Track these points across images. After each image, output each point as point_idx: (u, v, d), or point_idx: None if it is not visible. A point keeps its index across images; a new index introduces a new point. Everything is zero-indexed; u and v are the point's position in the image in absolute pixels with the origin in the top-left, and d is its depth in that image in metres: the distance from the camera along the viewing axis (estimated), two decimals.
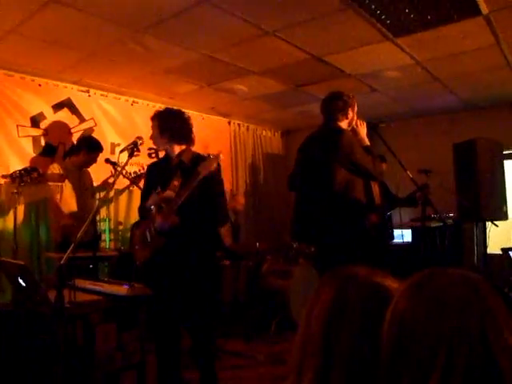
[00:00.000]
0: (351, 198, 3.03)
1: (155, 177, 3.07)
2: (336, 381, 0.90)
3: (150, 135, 3.10)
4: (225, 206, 3.07)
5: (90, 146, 4.24)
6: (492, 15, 3.33)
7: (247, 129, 7.03)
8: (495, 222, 4.68)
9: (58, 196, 4.08)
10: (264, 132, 7.37)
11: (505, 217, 4.98)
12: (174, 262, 2.82)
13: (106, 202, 4.73)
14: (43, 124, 4.53)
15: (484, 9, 3.22)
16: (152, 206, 2.88)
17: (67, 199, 4.10)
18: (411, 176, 3.34)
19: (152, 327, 2.95)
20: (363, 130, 3.23)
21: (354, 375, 0.90)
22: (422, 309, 0.80)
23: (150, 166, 3.31)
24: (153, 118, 3.04)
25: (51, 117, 4.59)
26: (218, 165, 2.88)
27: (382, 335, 0.86)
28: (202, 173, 2.71)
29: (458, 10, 3.24)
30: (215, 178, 2.89)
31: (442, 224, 5.24)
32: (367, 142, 3.21)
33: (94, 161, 4.29)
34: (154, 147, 5.41)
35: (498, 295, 0.81)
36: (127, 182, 4.70)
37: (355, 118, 3.22)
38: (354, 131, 3.21)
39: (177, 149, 3.00)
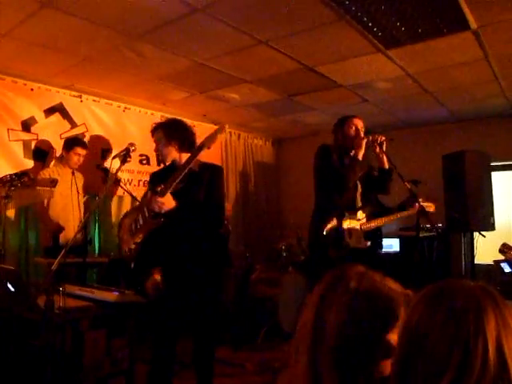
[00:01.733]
0: (316, 202, 3.47)
1: (158, 183, 3.00)
2: (324, 355, 0.97)
3: (140, 142, 3.09)
4: (220, 210, 3.00)
5: (66, 144, 4.31)
6: (481, 30, 3.40)
7: (238, 137, 7.05)
8: (482, 233, 4.74)
9: (46, 201, 4.06)
10: (255, 140, 7.40)
11: (492, 228, 5.05)
12: (179, 265, 2.76)
13: (96, 207, 4.71)
14: (34, 128, 4.51)
15: (473, 24, 3.29)
16: (148, 192, 2.81)
17: (58, 204, 4.09)
18: (409, 187, 3.40)
19: (149, 333, 2.90)
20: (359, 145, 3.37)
21: (339, 351, 0.97)
22: (439, 314, 0.81)
23: (154, 174, 3.21)
24: (156, 130, 2.95)
25: (43, 121, 4.58)
26: (221, 170, 3.07)
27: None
28: (206, 145, 2.69)
29: (447, 24, 3.31)
30: (216, 181, 2.95)
31: (430, 234, 5.30)
32: (357, 156, 3.34)
33: (78, 159, 4.30)
34: (146, 154, 5.47)
35: (508, 303, 0.84)
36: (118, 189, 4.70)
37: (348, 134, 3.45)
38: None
39: (184, 157, 2.89)
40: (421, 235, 5.13)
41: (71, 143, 4.32)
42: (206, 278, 2.78)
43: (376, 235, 3.48)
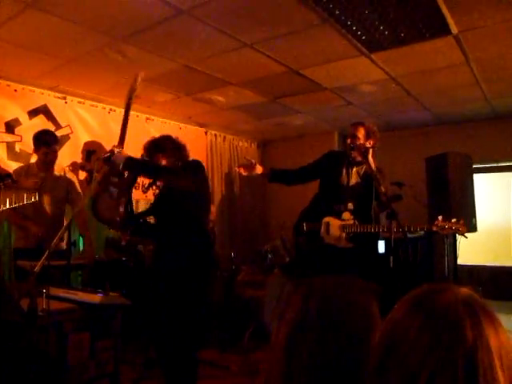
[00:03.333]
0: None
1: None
2: None
3: (125, 144, 3.13)
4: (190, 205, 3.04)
5: (34, 143, 3.95)
6: (461, 35, 3.46)
7: (224, 139, 7.06)
8: (465, 234, 4.80)
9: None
10: (241, 143, 7.42)
11: (474, 229, 5.12)
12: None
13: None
14: (18, 130, 4.47)
15: (454, 29, 3.35)
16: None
17: (41, 206, 4.03)
18: (384, 190, 3.45)
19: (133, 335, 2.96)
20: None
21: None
22: (417, 321, 0.80)
23: None
24: (148, 151, 3.20)
25: (27, 123, 4.54)
26: (193, 163, 3.13)
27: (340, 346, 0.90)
28: (131, 97, 3.05)
29: (429, 28, 3.36)
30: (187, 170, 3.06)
31: (414, 235, 5.35)
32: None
33: (52, 156, 3.98)
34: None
35: (496, 319, 0.81)
36: None
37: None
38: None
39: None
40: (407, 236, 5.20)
41: (37, 142, 3.92)
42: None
43: (365, 242, 3.54)
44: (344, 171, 3.64)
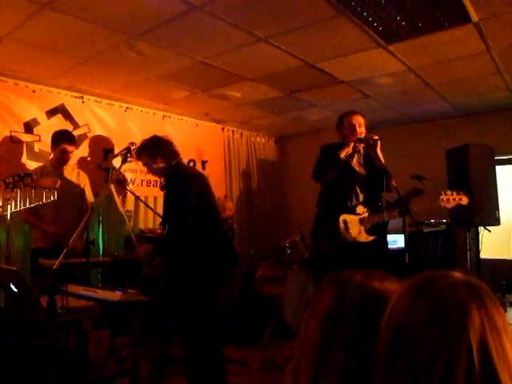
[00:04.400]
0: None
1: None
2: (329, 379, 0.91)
3: (139, 143, 3.18)
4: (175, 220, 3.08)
5: (53, 140, 4.04)
6: (482, 23, 3.37)
7: (241, 135, 7.04)
8: (487, 227, 4.71)
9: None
10: (258, 138, 7.39)
11: (497, 222, 5.02)
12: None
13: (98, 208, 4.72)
14: (37, 130, 4.52)
15: (474, 16, 3.26)
16: None
17: (58, 206, 4.05)
18: (395, 184, 3.43)
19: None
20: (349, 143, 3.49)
21: (347, 379, 0.91)
22: (422, 312, 0.78)
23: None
24: (139, 156, 3.20)
25: (45, 123, 4.59)
26: (175, 173, 3.13)
27: (377, 339, 0.85)
28: None
29: (448, 17, 3.28)
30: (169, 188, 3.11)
31: (435, 229, 5.27)
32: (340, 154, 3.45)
33: (69, 155, 4.05)
34: None
35: (497, 299, 0.80)
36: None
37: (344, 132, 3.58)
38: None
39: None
40: (425, 230, 5.13)
41: (55, 140, 4.01)
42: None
43: (380, 232, 3.48)
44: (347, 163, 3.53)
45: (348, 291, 0.99)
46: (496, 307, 0.78)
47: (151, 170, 3.23)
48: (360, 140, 3.46)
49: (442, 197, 3.41)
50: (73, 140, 4.11)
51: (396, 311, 0.82)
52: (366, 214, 3.42)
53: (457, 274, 0.83)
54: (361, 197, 3.51)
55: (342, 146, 3.51)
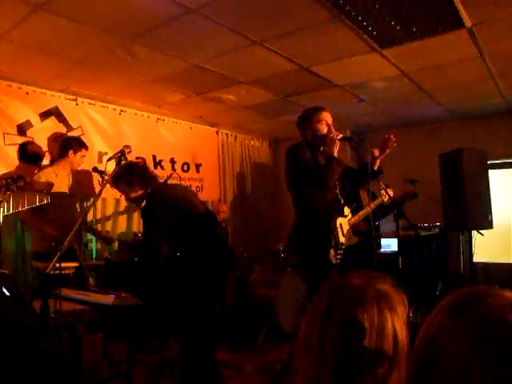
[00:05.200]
0: (299, 204, 3.31)
1: None
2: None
3: (136, 145, 3.16)
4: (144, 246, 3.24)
5: (72, 145, 4.12)
6: (475, 28, 3.39)
7: (235, 138, 7.04)
8: (480, 231, 4.74)
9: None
10: (252, 141, 7.39)
11: (490, 226, 5.04)
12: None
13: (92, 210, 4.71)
14: (30, 132, 4.50)
15: (467, 22, 3.28)
16: None
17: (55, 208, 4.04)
18: (383, 187, 3.46)
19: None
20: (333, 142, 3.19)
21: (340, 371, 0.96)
22: (462, 329, 0.71)
23: None
24: (116, 183, 3.18)
25: (38, 125, 4.56)
26: (153, 199, 3.12)
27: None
28: None
29: (442, 22, 3.30)
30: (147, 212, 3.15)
31: (429, 233, 5.29)
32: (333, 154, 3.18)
33: (81, 161, 4.20)
34: (142, 156, 5.46)
35: None
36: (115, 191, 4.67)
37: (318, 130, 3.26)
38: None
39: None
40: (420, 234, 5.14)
41: (78, 144, 4.16)
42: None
43: (371, 235, 3.43)
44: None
45: (341, 295, 1.03)
46: None
47: (129, 199, 3.25)
48: (350, 138, 3.30)
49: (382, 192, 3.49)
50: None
51: (431, 328, 0.77)
52: (351, 216, 3.35)
53: (502, 292, 0.75)
54: (340, 197, 3.33)
55: (312, 145, 3.25)
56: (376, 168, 3.42)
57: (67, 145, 4.15)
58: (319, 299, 1.05)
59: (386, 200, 3.61)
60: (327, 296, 1.05)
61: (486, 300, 0.74)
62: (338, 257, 3.11)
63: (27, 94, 4.52)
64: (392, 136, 3.37)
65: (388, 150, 3.39)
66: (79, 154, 4.12)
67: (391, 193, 3.67)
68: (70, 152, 4.09)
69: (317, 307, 1.04)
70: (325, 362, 0.97)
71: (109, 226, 5.27)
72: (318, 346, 0.99)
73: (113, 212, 5.29)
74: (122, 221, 5.40)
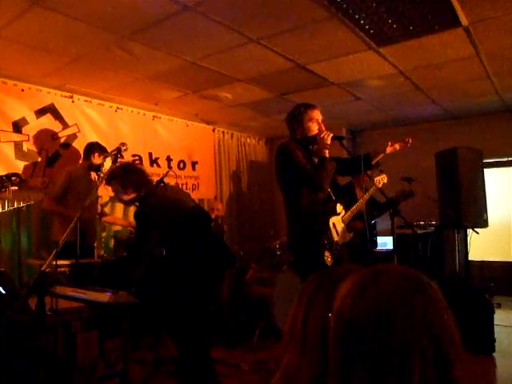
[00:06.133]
0: (292, 204, 3.21)
1: None
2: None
3: (132, 142, 3.15)
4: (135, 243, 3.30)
5: (102, 150, 4.31)
6: (471, 27, 3.41)
7: (231, 136, 7.04)
8: (476, 230, 4.75)
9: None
10: (248, 140, 7.39)
11: (485, 224, 5.06)
12: None
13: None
14: (26, 129, 4.48)
15: (464, 21, 3.29)
16: None
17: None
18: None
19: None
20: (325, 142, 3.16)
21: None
22: (369, 307, 0.80)
23: None
24: (110, 182, 3.14)
25: (34, 122, 4.54)
26: (146, 202, 3.10)
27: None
28: None
29: (438, 20, 3.31)
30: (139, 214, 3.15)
31: (425, 231, 5.30)
32: (325, 154, 3.15)
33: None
34: (138, 154, 5.45)
35: (437, 288, 0.83)
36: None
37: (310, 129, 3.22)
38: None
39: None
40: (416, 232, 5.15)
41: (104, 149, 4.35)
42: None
43: (367, 233, 3.41)
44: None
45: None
46: (435, 290, 0.82)
47: (120, 200, 3.24)
48: (341, 137, 3.21)
49: (376, 179, 3.64)
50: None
51: (344, 307, 0.84)
52: (343, 212, 3.33)
53: (396, 267, 0.87)
54: (331, 193, 3.25)
55: (302, 144, 3.21)
56: (374, 162, 3.45)
57: (92, 148, 4.35)
58: (305, 289, 1.06)
59: (380, 186, 3.64)
60: (312, 284, 1.06)
61: (380, 277, 0.84)
62: (334, 257, 3.10)
63: (23, 90, 4.49)
64: (410, 140, 3.55)
65: (395, 149, 3.50)
66: (102, 157, 4.27)
67: (385, 179, 3.79)
68: (101, 156, 4.26)
69: (302, 296, 1.05)
70: (308, 351, 0.97)
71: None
72: (301, 334, 0.99)
73: (110, 211, 5.26)
74: (118, 215, 5.39)
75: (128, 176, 3.09)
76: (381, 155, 3.47)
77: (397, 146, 3.50)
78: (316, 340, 0.97)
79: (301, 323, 1.01)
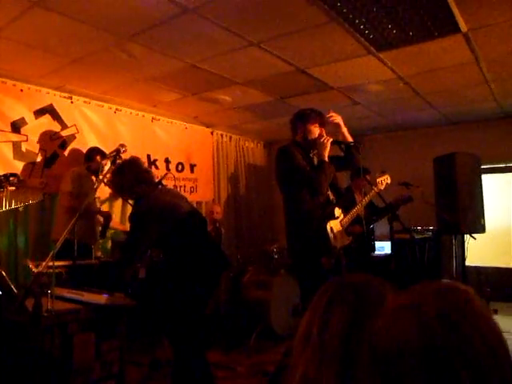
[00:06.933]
0: (291, 207, 3.26)
1: None
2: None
3: (131, 144, 3.17)
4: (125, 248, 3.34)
5: (103, 154, 4.37)
6: (471, 33, 3.42)
7: (230, 139, 7.04)
8: (473, 235, 4.76)
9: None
10: (247, 143, 7.40)
11: (482, 230, 5.07)
12: None
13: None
14: (24, 130, 4.47)
15: (463, 27, 3.30)
16: None
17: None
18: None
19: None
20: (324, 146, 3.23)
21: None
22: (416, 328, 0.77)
23: None
24: (111, 177, 3.24)
25: (32, 122, 4.53)
26: (141, 204, 3.12)
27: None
28: None
29: (438, 26, 3.32)
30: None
31: (422, 236, 5.31)
32: (324, 158, 3.22)
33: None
34: (137, 155, 5.44)
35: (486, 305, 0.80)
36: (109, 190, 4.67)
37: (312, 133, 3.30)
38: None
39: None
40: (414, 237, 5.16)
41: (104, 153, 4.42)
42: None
43: (366, 238, 3.44)
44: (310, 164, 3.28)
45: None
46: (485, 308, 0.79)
47: (117, 193, 3.32)
48: (340, 142, 3.28)
49: (378, 179, 3.65)
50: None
51: (396, 325, 0.81)
52: (342, 216, 3.34)
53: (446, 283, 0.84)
54: (331, 195, 3.31)
55: (303, 146, 3.30)
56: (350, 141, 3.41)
57: (94, 151, 4.47)
58: (319, 297, 1.06)
59: (383, 187, 3.65)
60: (327, 293, 1.06)
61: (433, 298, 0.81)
62: (332, 261, 3.11)
63: (22, 91, 4.49)
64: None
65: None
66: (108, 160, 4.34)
67: (388, 180, 3.75)
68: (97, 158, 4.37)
69: (317, 305, 1.05)
70: (326, 358, 0.96)
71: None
72: (319, 340, 0.99)
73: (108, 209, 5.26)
74: (115, 219, 5.37)
75: (124, 176, 3.12)
76: (343, 131, 3.42)
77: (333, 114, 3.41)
78: (336, 352, 0.97)
79: (317, 333, 1.01)
